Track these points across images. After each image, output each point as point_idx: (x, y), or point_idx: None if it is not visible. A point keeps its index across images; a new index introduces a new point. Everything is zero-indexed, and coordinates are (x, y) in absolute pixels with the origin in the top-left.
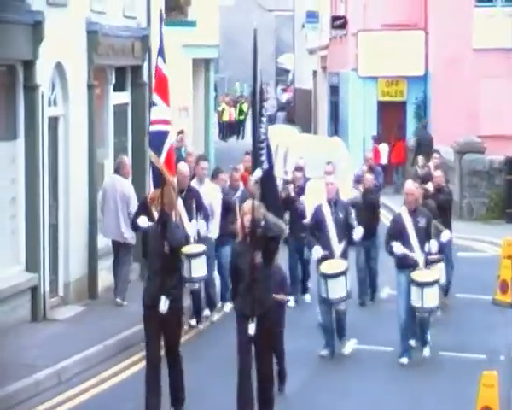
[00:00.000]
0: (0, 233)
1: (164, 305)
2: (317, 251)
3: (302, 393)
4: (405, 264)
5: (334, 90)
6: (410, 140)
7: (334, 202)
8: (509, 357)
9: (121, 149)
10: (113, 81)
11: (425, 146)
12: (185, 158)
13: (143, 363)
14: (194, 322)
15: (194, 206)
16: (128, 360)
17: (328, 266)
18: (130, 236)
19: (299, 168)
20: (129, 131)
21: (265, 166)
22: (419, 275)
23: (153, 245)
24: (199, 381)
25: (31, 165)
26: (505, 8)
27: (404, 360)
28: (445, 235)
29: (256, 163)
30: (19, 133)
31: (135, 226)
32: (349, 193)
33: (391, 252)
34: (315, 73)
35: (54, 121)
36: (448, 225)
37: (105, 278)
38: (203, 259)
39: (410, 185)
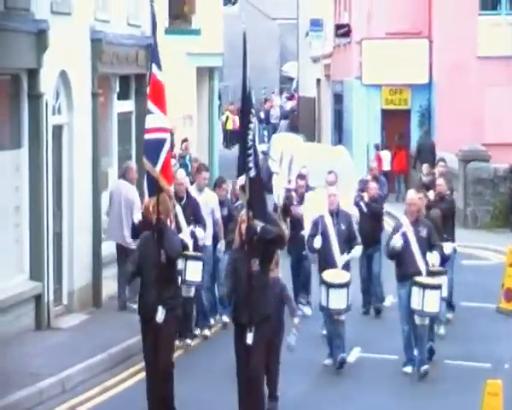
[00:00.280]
0: (4, 242)
1: (161, 315)
2: (318, 241)
3: (304, 402)
4: (407, 274)
5: (337, 99)
6: (415, 148)
7: (336, 213)
8: None
9: (125, 158)
10: (118, 89)
11: (426, 152)
12: (191, 165)
13: None
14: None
15: (193, 215)
16: (132, 368)
17: (331, 275)
18: (132, 240)
19: (301, 176)
20: (133, 140)
21: (253, 173)
22: (422, 278)
23: (148, 254)
24: (198, 392)
25: (35, 173)
26: (509, 17)
27: (409, 369)
28: (448, 247)
29: (241, 168)
30: (23, 142)
31: (134, 234)
32: (351, 205)
33: (391, 255)
34: (319, 81)
35: (58, 130)
36: (451, 234)
37: (109, 286)
38: (199, 264)
39: (412, 195)
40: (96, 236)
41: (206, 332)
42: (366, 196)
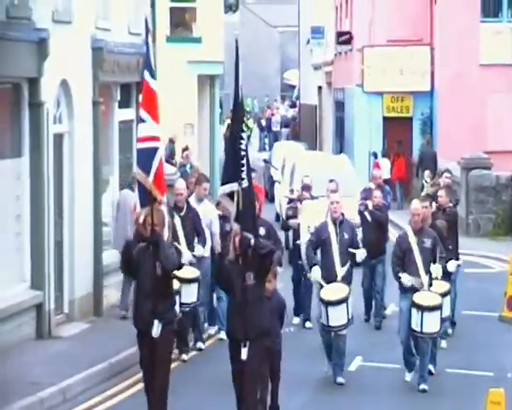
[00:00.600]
0: (5, 251)
1: (157, 329)
2: (316, 273)
3: None
4: (409, 287)
5: (339, 106)
6: (416, 156)
7: (340, 222)
8: None
9: (126, 166)
10: (119, 98)
11: (427, 160)
12: (190, 174)
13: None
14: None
15: (193, 226)
16: (133, 377)
17: (329, 293)
18: None
19: (307, 187)
20: (134, 148)
21: (245, 184)
22: (420, 298)
23: (143, 266)
24: (194, 404)
25: (36, 182)
26: (511, 24)
27: (408, 377)
28: (451, 265)
29: (230, 177)
30: (24, 150)
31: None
32: (354, 214)
33: (398, 280)
34: (320, 88)
35: (59, 138)
36: (454, 247)
37: (110, 295)
38: (194, 286)
39: (416, 205)
40: (97, 244)
41: (201, 345)
42: (370, 205)
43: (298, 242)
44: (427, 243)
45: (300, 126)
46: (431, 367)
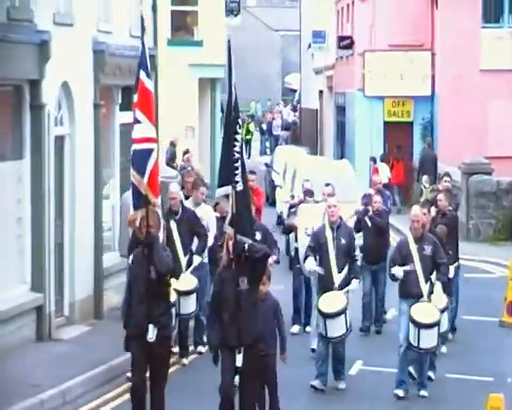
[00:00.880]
0: (6, 253)
1: (152, 334)
2: (310, 262)
3: None
4: (409, 295)
5: (340, 111)
6: (417, 161)
7: (338, 227)
8: None
9: (127, 169)
10: (120, 101)
11: (428, 163)
12: (186, 173)
13: (147, 384)
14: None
15: (189, 228)
16: None
17: (326, 303)
18: None
19: (309, 193)
20: None
21: (240, 187)
22: (418, 313)
23: (137, 270)
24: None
25: (37, 184)
26: None
27: (400, 392)
28: (449, 272)
29: (225, 179)
30: (25, 153)
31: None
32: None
33: (393, 279)
34: (321, 92)
35: (60, 141)
36: (454, 251)
37: (111, 297)
38: (192, 296)
39: (417, 211)
40: (97, 247)
41: (201, 349)
42: (370, 210)
43: (295, 245)
44: (428, 249)
45: (301, 131)
46: (431, 373)
